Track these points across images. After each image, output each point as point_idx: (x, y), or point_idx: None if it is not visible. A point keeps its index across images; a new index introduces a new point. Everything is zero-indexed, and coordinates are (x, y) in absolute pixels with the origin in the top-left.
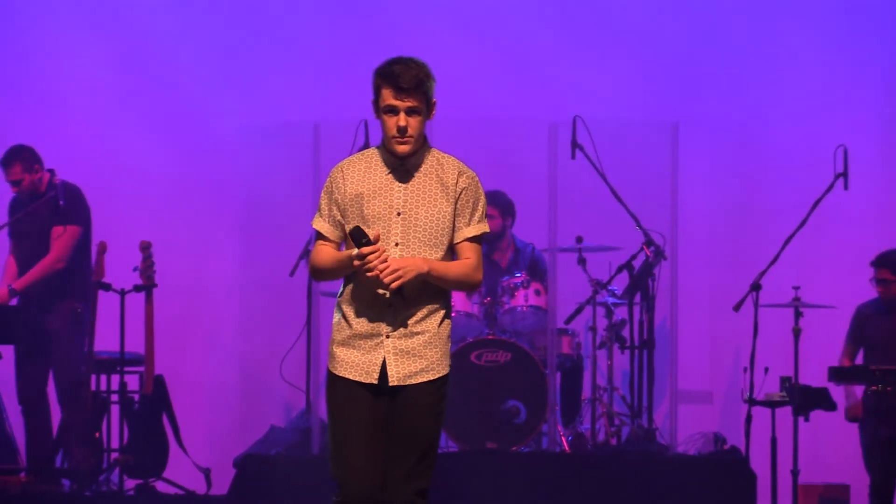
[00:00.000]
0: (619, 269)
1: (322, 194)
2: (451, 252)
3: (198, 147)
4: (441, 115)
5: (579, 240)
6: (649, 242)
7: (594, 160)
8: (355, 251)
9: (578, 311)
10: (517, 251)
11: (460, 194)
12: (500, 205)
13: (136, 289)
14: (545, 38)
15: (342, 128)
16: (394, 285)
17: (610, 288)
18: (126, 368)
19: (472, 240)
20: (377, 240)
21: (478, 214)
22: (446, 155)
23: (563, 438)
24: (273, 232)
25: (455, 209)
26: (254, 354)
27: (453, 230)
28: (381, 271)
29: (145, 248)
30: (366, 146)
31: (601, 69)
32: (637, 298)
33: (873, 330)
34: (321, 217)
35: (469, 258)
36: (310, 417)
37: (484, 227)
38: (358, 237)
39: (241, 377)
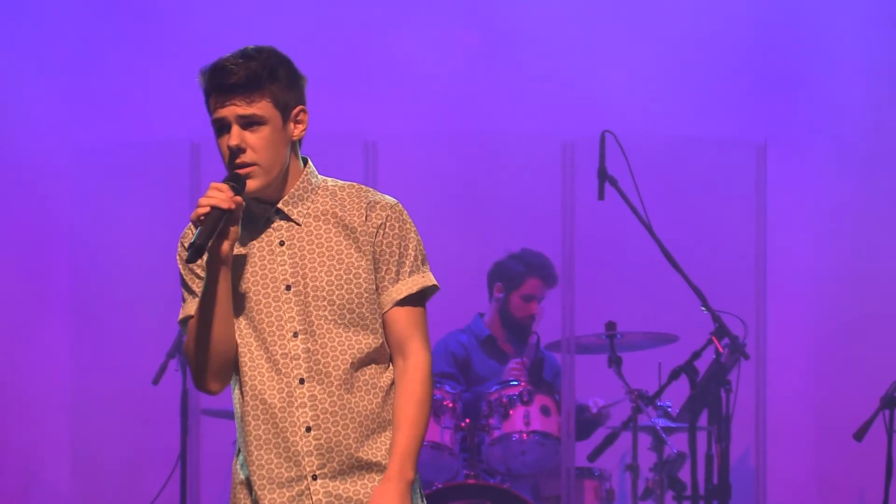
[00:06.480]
0: (675, 375)
1: (181, 276)
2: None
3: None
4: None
5: (611, 327)
6: (721, 332)
7: (633, 202)
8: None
9: (610, 440)
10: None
11: (377, 235)
12: (547, 276)
13: None
14: (564, 37)
15: None
16: None
17: (660, 404)
18: None
19: (406, 302)
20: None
21: (409, 261)
22: (344, 183)
23: None
24: (122, 314)
25: (374, 260)
26: None
27: (377, 292)
28: None
29: None
30: None
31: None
32: (703, 420)
33: None
34: (188, 301)
35: (411, 343)
36: None
37: (425, 280)
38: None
39: None
